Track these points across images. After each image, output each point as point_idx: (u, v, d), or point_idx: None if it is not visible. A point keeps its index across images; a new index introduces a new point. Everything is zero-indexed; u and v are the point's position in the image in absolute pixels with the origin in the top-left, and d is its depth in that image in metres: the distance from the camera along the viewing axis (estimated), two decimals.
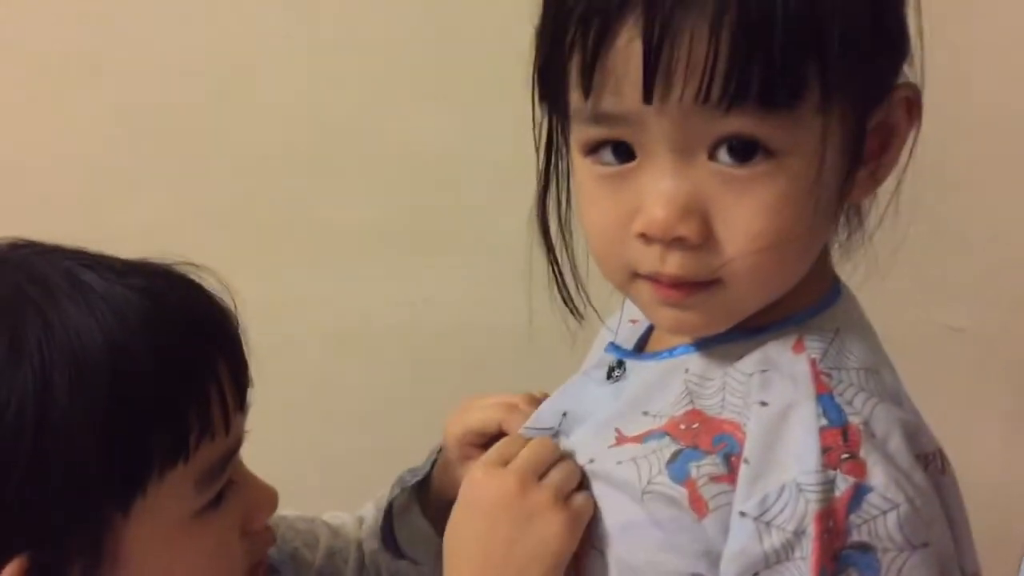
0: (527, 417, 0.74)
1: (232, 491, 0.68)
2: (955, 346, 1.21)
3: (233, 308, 0.70)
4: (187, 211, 1.23)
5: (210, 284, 0.70)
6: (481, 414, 0.77)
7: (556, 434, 0.70)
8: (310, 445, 1.25)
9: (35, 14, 1.21)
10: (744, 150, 0.57)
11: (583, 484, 0.66)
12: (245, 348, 0.70)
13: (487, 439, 0.76)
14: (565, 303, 0.68)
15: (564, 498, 0.65)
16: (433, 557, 0.79)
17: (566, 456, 0.67)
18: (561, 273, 0.68)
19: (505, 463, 0.67)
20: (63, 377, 0.60)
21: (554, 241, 0.67)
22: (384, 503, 0.83)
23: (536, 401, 0.76)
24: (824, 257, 0.66)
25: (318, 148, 1.22)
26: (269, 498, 0.72)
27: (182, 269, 0.69)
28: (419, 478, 0.82)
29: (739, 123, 0.56)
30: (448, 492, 0.77)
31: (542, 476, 0.66)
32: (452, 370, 1.23)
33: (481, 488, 0.66)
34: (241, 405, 0.68)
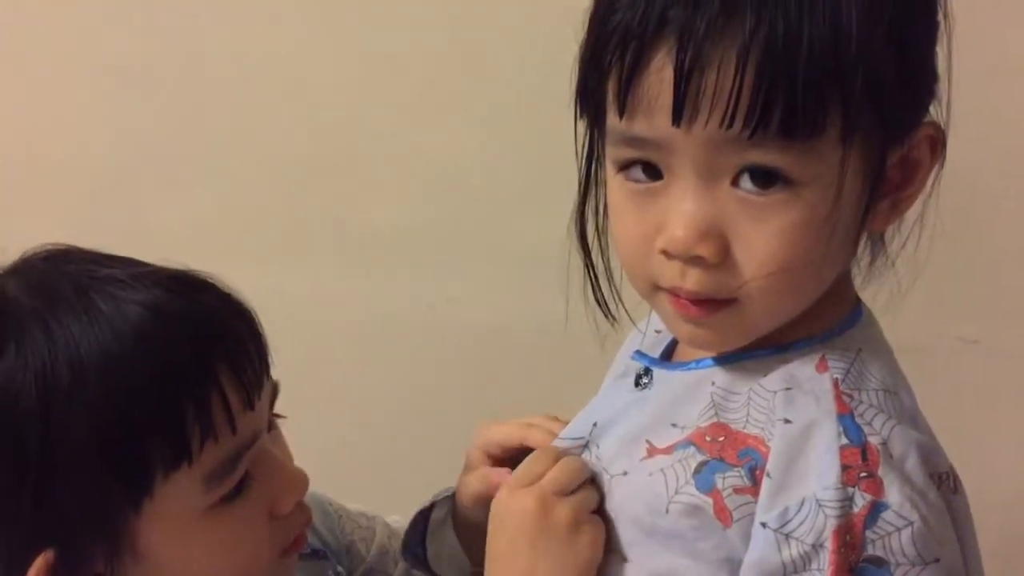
0: (547, 432, 0.77)
1: (254, 480, 0.70)
2: (969, 359, 1.22)
3: (248, 311, 0.72)
4: (222, 211, 1.26)
5: (221, 290, 0.72)
6: (504, 428, 0.80)
7: (587, 443, 0.73)
8: (335, 440, 1.27)
9: (77, 18, 1.24)
10: (765, 178, 0.60)
11: (602, 504, 0.69)
12: (256, 349, 0.71)
13: (509, 453, 0.79)
14: (599, 304, 0.71)
15: (585, 517, 0.68)
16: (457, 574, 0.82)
17: (590, 476, 0.70)
18: (596, 276, 0.70)
19: (531, 483, 0.69)
20: (62, 386, 0.63)
21: (591, 246, 0.70)
22: (414, 516, 0.84)
23: (554, 421, 0.78)
24: (846, 280, 0.68)
25: (349, 154, 1.25)
26: (297, 483, 0.73)
27: (193, 277, 0.71)
28: (451, 492, 0.84)
29: (761, 153, 0.59)
30: (467, 513, 0.80)
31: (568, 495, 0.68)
32: (473, 370, 1.26)
33: (506, 508, 0.69)
34: (249, 405, 0.70)
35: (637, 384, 0.72)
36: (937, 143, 0.65)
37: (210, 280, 0.72)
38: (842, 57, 0.57)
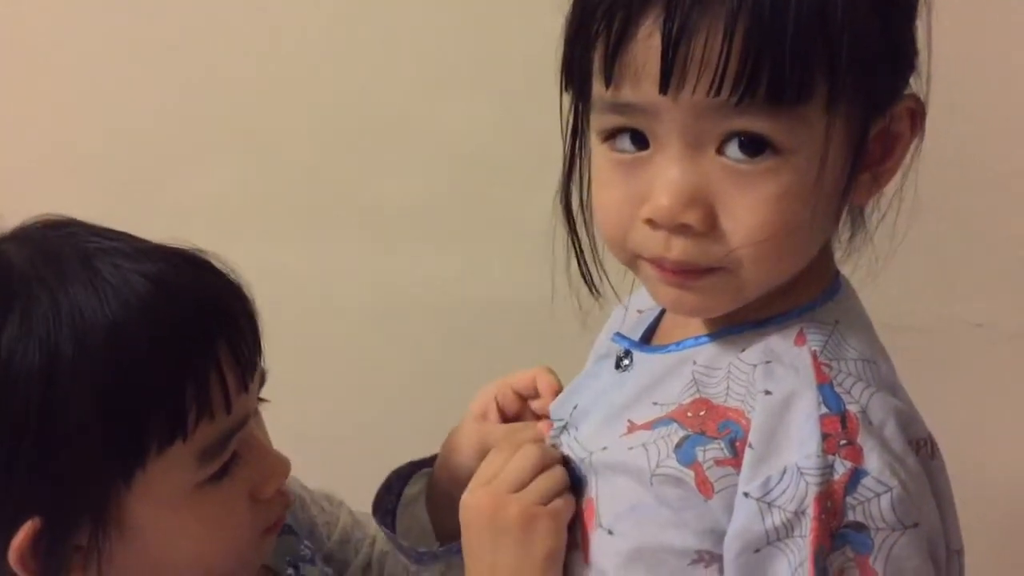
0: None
1: (239, 463, 0.71)
2: (975, 342, 1.22)
3: (246, 293, 0.72)
4: (235, 188, 1.27)
5: (221, 269, 0.72)
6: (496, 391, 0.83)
7: (566, 426, 0.74)
8: (346, 412, 1.28)
9: None
10: (752, 145, 0.60)
11: (579, 483, 0.71)
12: (252, 331, 0.72)
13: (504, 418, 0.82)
14: (583, 278, 0.71)
15: (536, 510, 0.69)
16: (434, 555, 0.84)
17: (552, 462, 0.71)
18: (581, 250, 0.71)
19: (489, 480, 0.71)
20: (66, 354, 0.64)
21: (576, 220, 0.71)
22: (389, 477, 0.85)
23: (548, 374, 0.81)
24: (825, 253, 0.69)
25: (365, 133, 1.26)
26: (279, 468, 0.74)
27: (194, 255, 0.72)
28: (422, 464, 0.86)
29: (747, 120, 0.60)
30: (445, 485, 0.82)
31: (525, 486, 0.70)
32: (484, 344, 1.27)
33: (465, 507, 0.72)
34: (244, 387, 0.71)
35: (618, 366, 0.74)
36: (917, 116, 0.66)
37: (210, 259, 0.72)
38: (828, 25, 0.58)
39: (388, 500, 0.86)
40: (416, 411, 1.26)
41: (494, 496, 0.70)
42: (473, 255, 1.27)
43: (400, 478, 0.86)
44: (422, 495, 0.86)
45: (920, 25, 0.66)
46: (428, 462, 0.87)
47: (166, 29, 1.26)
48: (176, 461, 0.67)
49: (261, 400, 0.76)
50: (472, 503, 0.71)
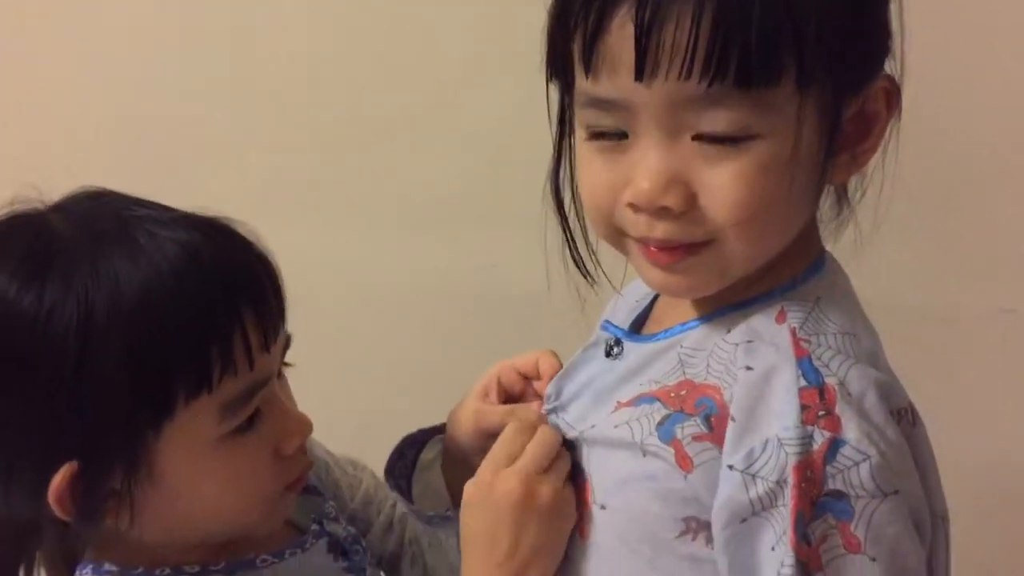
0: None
1: (263, 419, 0.76)
2: (1007, 327, 1.21)
3: (271, 262, 0.77)
4: (272, 175, 1.31)
5: (250, 237, 0.78)
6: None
7: (555, 408, 0.77)
8: (374, 397, 1.30)
9: None
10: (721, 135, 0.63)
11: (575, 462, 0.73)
12: (276, 297, 0.77)
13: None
14: (577, 266, 0.74)
15: (564, 493, 0.72)
16: (444, 518, 0.88)
17: (540, 431, 0.74)
18: (572, 238, 0.74)
19: (510, 461, 0.73)
20: (102, 314, 0.69)
21: (566, 208, 0.74)
22: (403, 440, 0.89)
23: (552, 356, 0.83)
24: (807, 234, 0.71)
25: (394, 123, 1.29)
26: (301, 426, 0.79)
27: (223, 224, 0.77)
28: (435, 431, 0.89)
29: (717, 114, 0.62)
30: (461, 446, 0.85)
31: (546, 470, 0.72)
32: (511, 332, 1.28)
33: (491, 489, 0.73)
34: (266, 347, 0.75)
35: (608, 354, 0.76)
36: (892, 95, 0.68)
37: (238, 228, 0.78)
38: (794, 8, 0.60)
39: (401, 465, 0.89)
40: (444, 396, 1.30)
41: (526, 479, 0.72)
42: (501, 244, 1.29)
43: (413, 444, 0.90)
44: (437, 460, 0.89)
45: (894, 7, 0.67)
46: (439, 429, 0.90)
47: (200, 18, 1.30)
48: (202, 413, 0.72)
49: (286, 364, 0.81)
50: (500, 486, 0.72)
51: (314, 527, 0.85)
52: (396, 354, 1.31)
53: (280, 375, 0.80)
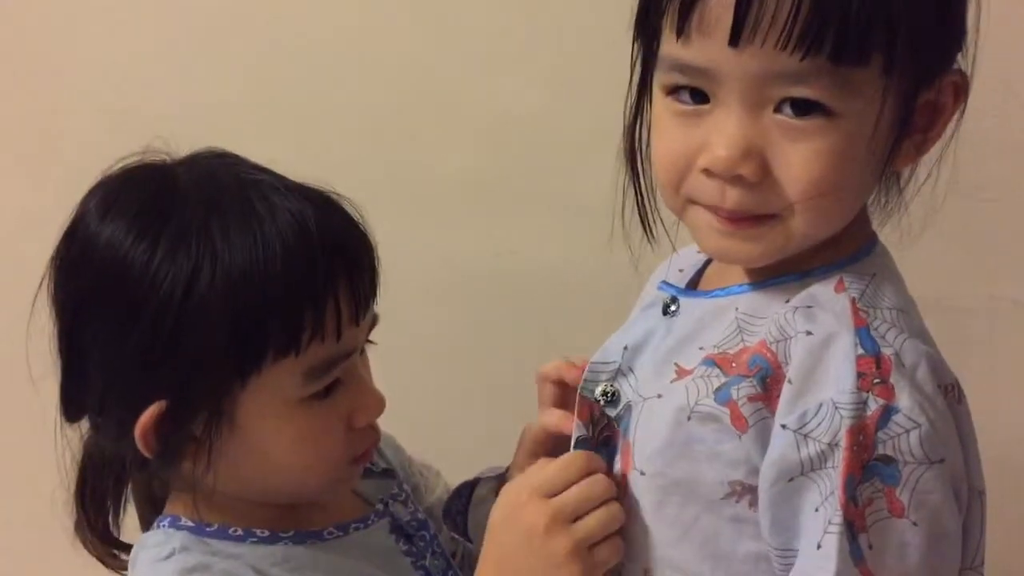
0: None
1: (341, 389, 0.79)
2: (1017, 320, 1.23)
3: (371, 241, 0.81)
4: (299, 162, 1.33)
5: (356, 217, 0.81)
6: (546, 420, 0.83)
7: (618, 368, 0.77)
8: (404, 386, 1.33)
9: None
10: (804, 106, 0.65)
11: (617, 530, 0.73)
12: (371, 274, 0.80)
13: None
14: (641, 218, 0.76)
15: (588, 548, 0.71)
16: None
17: (612, 498, 0.73)
18: (642, 192, 0.75)
19: (553, 493, 0.72)
20: (209, 268, 0.73)
21: (638, 163, 0.75)
22: (458, 485, 0.91)
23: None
24: (863, 214, 0.74)
25: (420, 109, 1.30)
26: (375, 403, 0.82)
27: (333, 198, 0.80)
28: (499, 473, 0.89)
29: (804, 89, 0.64)
30: None
31: (580, 517, 0.72)
32: (533, 317, 1.31)
33: (520, 512, 0.73)
34: (355, 320, 0.78)
35: (665, 312, 0.77)
36: (961, 90, 0.70)
37: (345, 205, 0.81)
38: None
39: (458, 504, 0.90)
40: (473, 382, 1.31)
41: (552, 521, 0.71)
42: (527, 228, 1.31)
43: (468, 485, 0.90)
44: (491, 496, 0.87)
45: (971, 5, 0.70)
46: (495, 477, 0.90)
47: (222, 15, 1.30)
48: (287, 373, 0.75)
49: (370, 342, 0.84)
50: (527, 515, 0.72)
51: (379, 506, 0.87)
52: (426, 341, 1.32)
53: (363, 351, 0.83)
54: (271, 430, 0.77)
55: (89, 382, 0.77)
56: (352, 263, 0.78)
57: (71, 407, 0.80)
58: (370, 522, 0.86)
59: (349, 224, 0.80)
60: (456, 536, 0.91)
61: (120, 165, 0.80)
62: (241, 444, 0.76)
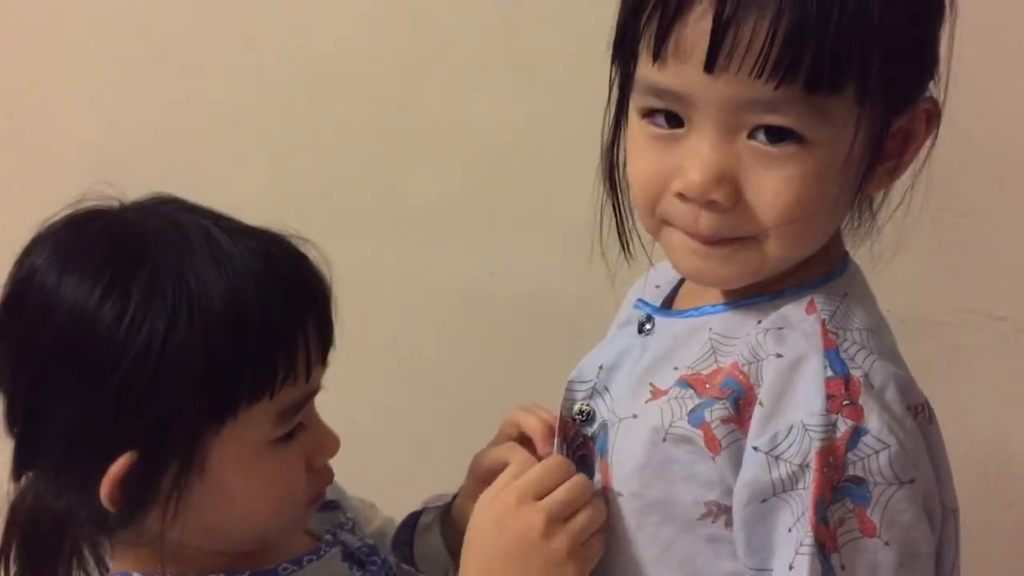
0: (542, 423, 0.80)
1: (303, 431, 0.78)
2: (997, 335, 1.23)
3: (328, 276, 0.80)
4: (279, 184, 1.31)
5: (311, 254, 0.79)
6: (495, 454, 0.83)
7: (594, 387, 0.78)
8: (382, 407, 1.32)
9: None
10: (778, 134, 0.66)
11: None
12: (333, 311, 0.79)
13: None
14: (620, 236, 0.76)
15: (581, 544, 0.72)
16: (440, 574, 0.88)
17: (595, 496, 0.74)
18: (621, 211, 0.76)
19: (541, 496, 0.72)
20: (186, 316, 0.71)
21: (617, 182, 0.76)
22: (405, 517, 0.91)
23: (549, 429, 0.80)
24: (836, 236, 0.74)
25: (397, 132, 1.30)
26: (332, 442, 0.82)
27: (291, 238, 0.79)
28: (445, 503, 0.90)
29: (780, 116, 0.65)
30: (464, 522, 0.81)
31: (569, 517, 0.72)
32: (516, 338, 1.31)
33: (510, 517, 0.72)
34: (323, 359, 0.78)
35: (640, 331, 0.78)
36: (933, 117, 0.71)
37: (300, 244, 0.79)
38: (867, 25, 0.63)
39: (404, 534, 0.91)
40: (450, 405, 1.31)
41: (549, 521, 0.71)
42: (505, 250, 1.31)
43: (413, 515, 0.91)
44: (436, 523, 0.89)
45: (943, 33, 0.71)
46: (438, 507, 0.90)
47: (202, 27, 1.31)
48: (259, 416, 0.74)
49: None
50: (521, 518, 0.72)
51: (328, 536, 0.87)
52: (403, 363, 1.33)
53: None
54: (239, 475, 0.76)
55: (46, 439, 0.74)
56: (317, 300, 0.78)
57: (22, 466, 0.77)
58: (322, 552, 0.84)
59: (308, 263, 0.79)
60: (406, 567, 0.90)
61: (64, 213, 0.76)
62: (209, 491, 0.75)
